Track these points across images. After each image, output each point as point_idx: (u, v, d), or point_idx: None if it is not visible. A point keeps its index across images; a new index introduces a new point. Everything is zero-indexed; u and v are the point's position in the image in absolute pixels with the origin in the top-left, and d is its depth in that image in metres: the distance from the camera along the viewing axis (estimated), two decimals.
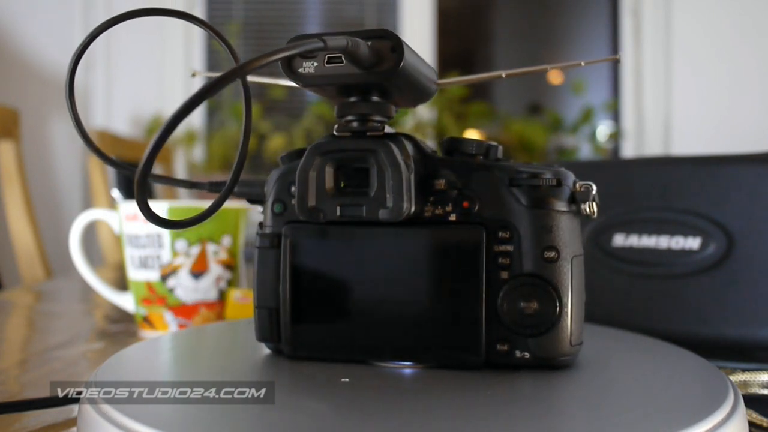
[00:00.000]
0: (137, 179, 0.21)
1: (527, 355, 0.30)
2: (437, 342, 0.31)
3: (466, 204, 0.31)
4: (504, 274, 0.30)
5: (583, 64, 0.34)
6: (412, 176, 0.30)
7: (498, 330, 0.30)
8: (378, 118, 0.32)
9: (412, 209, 0.30)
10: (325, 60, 0.30)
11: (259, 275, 0.33)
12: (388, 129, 0.32)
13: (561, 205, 0.30)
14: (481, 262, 0.30)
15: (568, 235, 0.30)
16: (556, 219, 0.30)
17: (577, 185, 0.31)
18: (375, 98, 0.32)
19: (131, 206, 0.51)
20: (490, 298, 0.30)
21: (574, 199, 0.31)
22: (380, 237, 0.31)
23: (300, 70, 0.30)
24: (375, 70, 0.28)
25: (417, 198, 0.31)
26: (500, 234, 0.30)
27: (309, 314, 0.32)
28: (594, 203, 0.30)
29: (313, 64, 0.30)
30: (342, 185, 0.31)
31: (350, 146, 0.31)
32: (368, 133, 0.31)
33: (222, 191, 0.27)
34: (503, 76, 0.34)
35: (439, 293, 0.31)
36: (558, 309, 0.30)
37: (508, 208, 0.30)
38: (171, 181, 0.37)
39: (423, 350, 0.31)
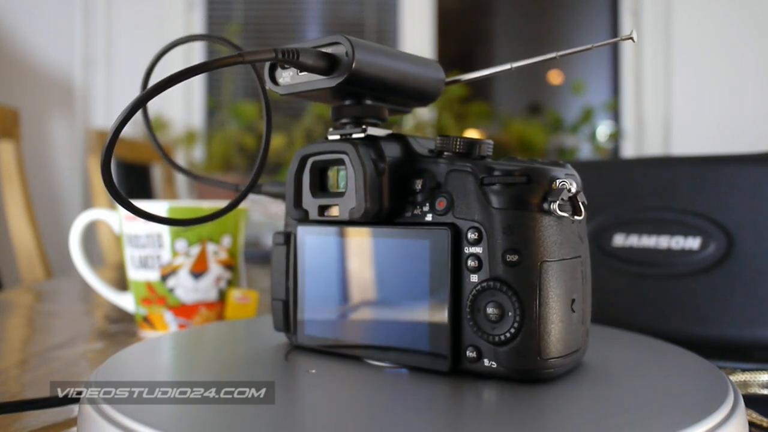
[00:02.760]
0: (102, 158, 0.22)
1: (494, 364, 0.28)
2: (411, 344, 0.30)
3: (440, 204, 0.30)
4: (474, 278, 0.29)
5: (593, 47, 0.32)
6: (384, 177, 0.30)
7: (468, 336, 0.29)
8: (370, 120, 0.32)
9: (385, 208, 0.31)
10: (298, 70, 0.31)
11: (273, 270, 0.36)
12: (375, 131, 0.32)
13: (529, 205, 0.28)
14: (447, 264, 0.29)
15: (538, 237, 0.28)
16: (520, 220, 0.28)
17: (555, 183, 0.28)
18: (368, 101, 0.32)
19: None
20: (458, 302, 0.29)
21: (546, 198, 0.28)
22: (363, 236, 0.32)
23: (280, 80, 0.32)
24: (333, 76, 0.29)
25: (395, 198, 0.31)
26: (470, 236, 0.29)
27: (310, 308, 0.34)
28: (579, 203, 0.28)
29: (289, 74, 0.31)
30: (337, 187, 0.32)
31: (325, 149, 0.32)
32: (353, 136, 0.32)
33: (240, 192, 0.28)
34: (512, 68, 0.34)
35: (412, 294, 0.30)
36: (519, 318, 0.27)
37: (479, 209, 0.29)
38: (215, 183, 0.39)
39: (399, 351, 0.31)
